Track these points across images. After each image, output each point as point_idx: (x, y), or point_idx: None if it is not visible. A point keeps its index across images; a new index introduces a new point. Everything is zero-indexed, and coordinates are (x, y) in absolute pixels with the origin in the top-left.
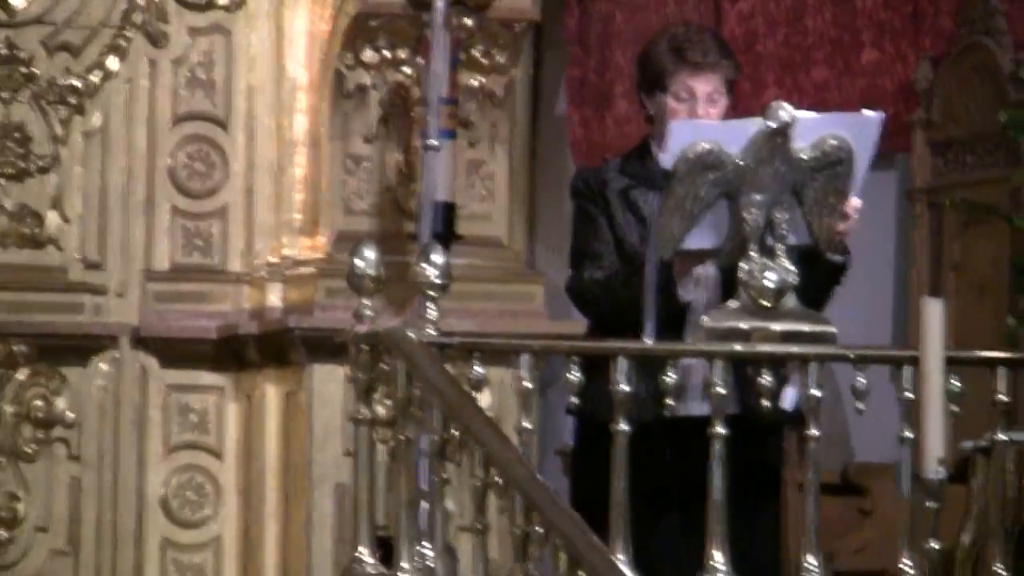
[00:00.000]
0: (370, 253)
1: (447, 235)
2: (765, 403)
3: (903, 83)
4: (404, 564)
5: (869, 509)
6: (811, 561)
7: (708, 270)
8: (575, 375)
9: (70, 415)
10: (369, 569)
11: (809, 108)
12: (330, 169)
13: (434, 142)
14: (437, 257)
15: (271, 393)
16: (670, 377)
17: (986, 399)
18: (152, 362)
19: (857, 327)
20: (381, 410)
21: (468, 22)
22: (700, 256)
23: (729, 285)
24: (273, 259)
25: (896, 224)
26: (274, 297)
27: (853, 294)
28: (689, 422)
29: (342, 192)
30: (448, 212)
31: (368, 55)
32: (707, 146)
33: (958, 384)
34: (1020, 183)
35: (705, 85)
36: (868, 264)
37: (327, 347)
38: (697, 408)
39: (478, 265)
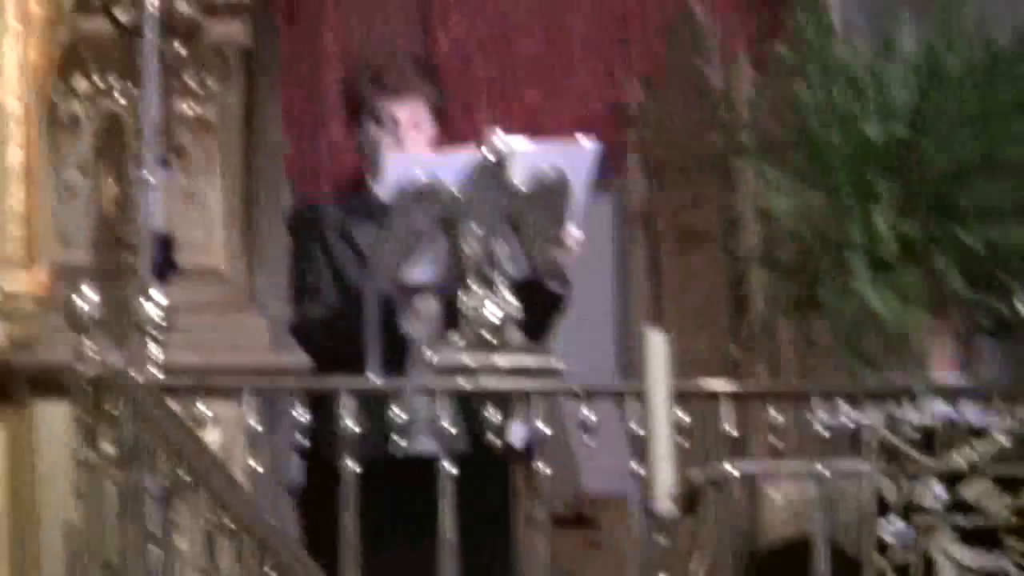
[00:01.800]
0: (88, 291)
1: (166, 267)
2: (493, 439)
3: (615, 105)
4: None
5: (600, 541)
6: None
7: (430, 304)
8: (300, 414)
9: None
10: None
11: (521, 131)
12: (46, 201)
13: (149, 175)
14: (157, 295)
15: None
16: (396, 414)
17: (715, 425)
18: None
19: (579, 355)
20: (109, 449)
21: (179, 49)
22: (420, 289)
23: (451, 318)
24: None
25: (613, 250)
26: None
27: (575, 322)
28: (417, 459)
29: (59, 225)
30: (166, 243)
31: (80, 84)
32: (423, 178)
33: (685, 417)
34: (734, 206)
35: (404, 111)
36: (588, 291)
37: (51, 384)
38: (423, 445)
39: (199, 297)
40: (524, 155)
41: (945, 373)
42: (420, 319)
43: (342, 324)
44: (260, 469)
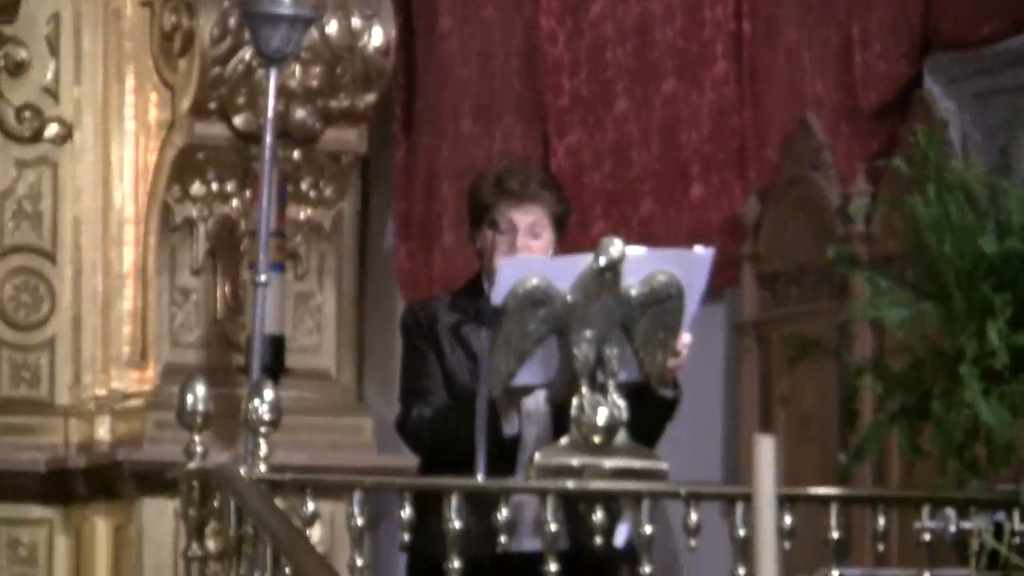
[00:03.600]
0: (199, 388)
1: (276, 368)
2: (597, 540)
3: (730, 216)
4: None
5: None
6: None
7: (540, 406)
8: (407, 512)
9: None
10: None
11: (636, 242)
12: (158, 302)
13: (263, 278)
14: (267, 393)
15: (101, 527)
16: (502, 514)
17: (818, 534)
18: None
19: (687, 461)
20: (212, 545)
21: (295, 155)
22: (524, 390)
23: (560, 421)
24: (101, 392)
25: (724, 358)
26: (103, 430)
27: (683, 428)
28: (520, 558)
29: (170, 325)
30: (277, 345)
31: (195, 188)
32: (536, 282)
33: (791, 521)
34: (847, 318)
35: (525, 216)
36: (698, 398)
37: (157, 480)
38: (529, 544)
39: (308, 398)
40: (638, 260)
41: None
42: (530, 421)
43: (450, 426)
44: (363, 563)
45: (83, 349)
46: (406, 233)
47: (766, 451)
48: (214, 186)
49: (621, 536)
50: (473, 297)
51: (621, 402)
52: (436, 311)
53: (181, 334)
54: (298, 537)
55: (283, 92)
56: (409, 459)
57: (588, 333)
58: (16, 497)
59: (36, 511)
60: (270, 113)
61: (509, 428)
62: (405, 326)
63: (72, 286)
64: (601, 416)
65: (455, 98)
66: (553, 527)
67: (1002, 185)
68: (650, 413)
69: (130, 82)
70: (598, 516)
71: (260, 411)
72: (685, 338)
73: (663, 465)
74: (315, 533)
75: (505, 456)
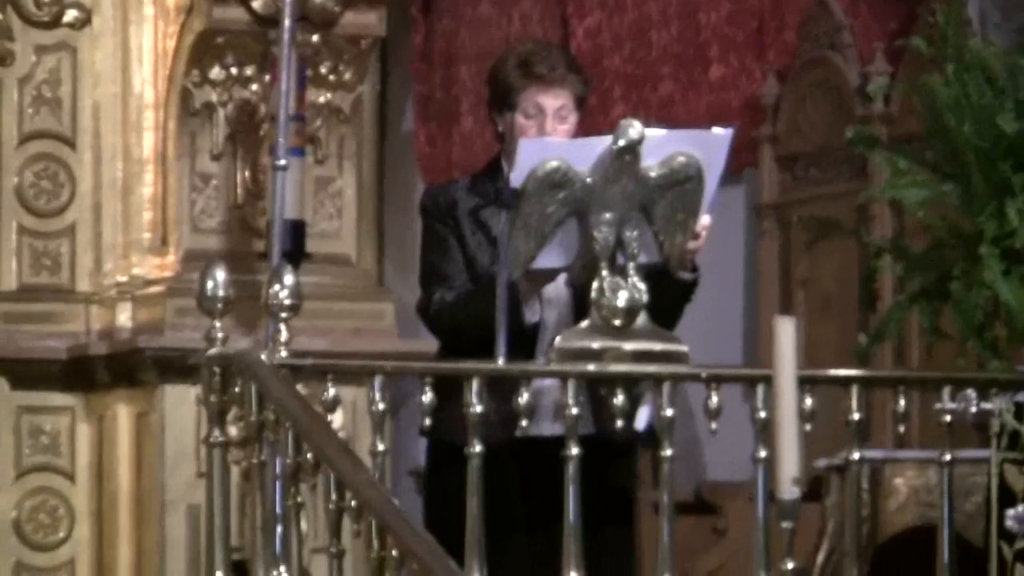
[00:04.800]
0: (220, 274)
1: (296, 254)
2: (618, 423)
3: (749, 98)
4: None
5: (723, 528)
6: None
7: (560, 290)
8: (428, 396)
9: None
10: None
11: (656, 124)
12: (178, 187)
13: (283, 162)
14: (288, 278)
15: (122, 414)
16: (523, 398)
17: (838, 416)
18: (2, 383)
19: (707, 343)
20: (234, 431)
21: (314, 39)
22: (546, 275)
23: (581, 304)
24: (122, 278)
25: (744, 239)
26: (124, 317)
27: (703, 310)
28: (540, 443)
29: (190, 210)
30: (297, 230)
31: (215, 72)
32: (555, 164)
33: (811, 403)
34: (867, 199)
35: (554, 100)
36: (717, 280)
37: (178, 367)
38: (548, 428)
39: (328, 283)
40: (657, 141)
41: None
42: (550, 305)
43: (472, 309)
44: (384, 448)
45: (103, 235)
46: (426, 116)
47: (787, 333)
48: (233, 70)
49: (642, 419)
50: (493, 180)
51: (641, 284)
52: (455, 195)
53: (201, 219)
54: (319, 422)
55: None
56: (431, 344)
57: (608, 215)
58: (38, 385)
59: (58, 398)
60: None
61: (531, 315)
62: (424, 210)
63: (92, 172)
64: (621, 299)
65: None
66: (574, 411)
67: (1020, 64)
68: (668, 296)
69: None
70: (619, 399)
71: (281, 296)
72: (704, 220)
73: (684, 347)
74: (336, 418)
75: (525, 342)
